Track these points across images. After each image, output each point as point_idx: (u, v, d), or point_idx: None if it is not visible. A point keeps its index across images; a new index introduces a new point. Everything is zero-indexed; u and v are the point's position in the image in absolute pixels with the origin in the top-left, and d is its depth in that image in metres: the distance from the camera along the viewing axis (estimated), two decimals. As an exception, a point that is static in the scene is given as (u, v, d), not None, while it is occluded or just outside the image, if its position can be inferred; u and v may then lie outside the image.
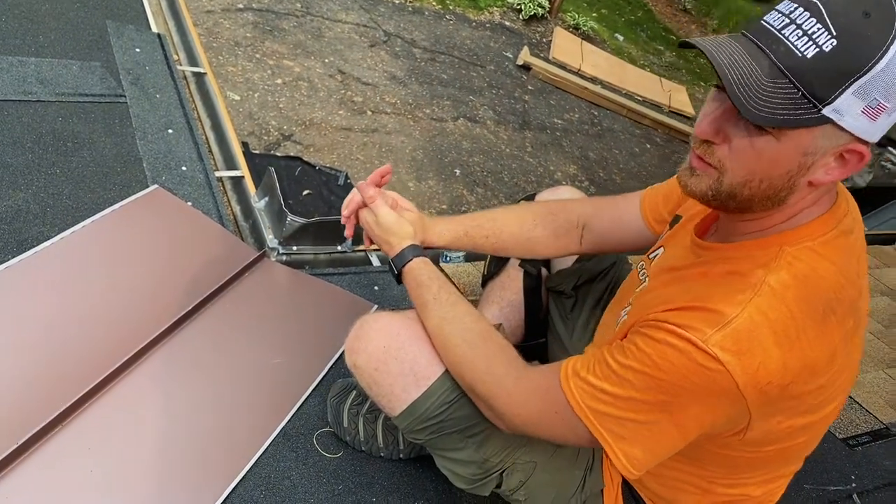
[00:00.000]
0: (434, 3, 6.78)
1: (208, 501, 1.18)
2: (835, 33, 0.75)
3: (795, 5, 0.78)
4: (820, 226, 0.88)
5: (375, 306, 1.66)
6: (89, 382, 1.24)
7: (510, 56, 6.41)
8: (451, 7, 6.83)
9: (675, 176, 0.95)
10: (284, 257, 1.75)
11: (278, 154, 4.23)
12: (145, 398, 1.29)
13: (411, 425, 1.12)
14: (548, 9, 6.77)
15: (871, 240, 4.03)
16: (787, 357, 0.81)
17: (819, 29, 0.76)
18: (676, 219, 1.19)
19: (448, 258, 1.96)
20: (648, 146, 6.13)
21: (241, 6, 5.77)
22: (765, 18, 0.81)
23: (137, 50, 2.11)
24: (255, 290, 1.62)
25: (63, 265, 1.44)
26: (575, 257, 1.47)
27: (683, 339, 0.82)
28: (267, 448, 1.30)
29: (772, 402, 0.85)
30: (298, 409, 1.39)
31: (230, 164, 1.96)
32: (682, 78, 7.68)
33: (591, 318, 1.47)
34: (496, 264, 1.52)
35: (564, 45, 6.51)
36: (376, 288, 1.46)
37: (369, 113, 5.23)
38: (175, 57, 2.24)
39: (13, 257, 1.39)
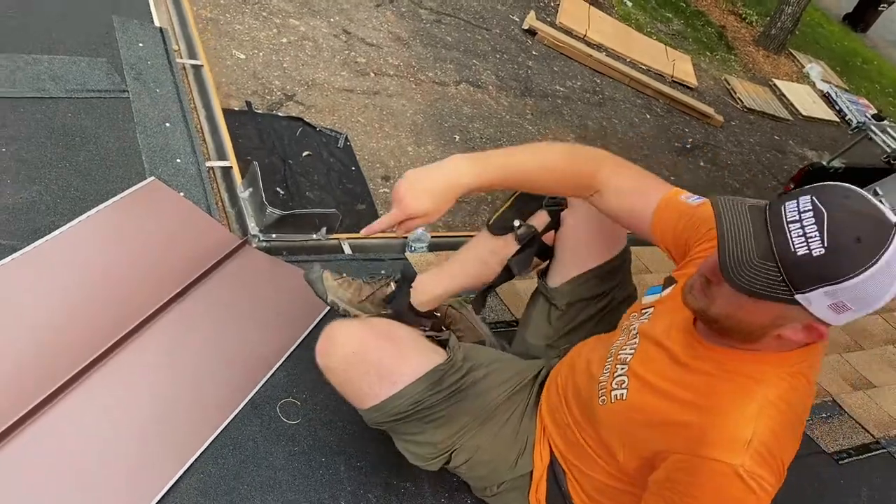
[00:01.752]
0: (439, -35, 6.79)
1: (184, 458, 1.45)
2: (826, 245, 0.89)
3: (809, 207, 0.92)
4: (792, 358, 1.07)
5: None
6: (83, 360, 1.49)
7: (516, 20, 6.46)
8: (457, -32, 6.83)
9: (682, 285, 1.13)
10: (265, 244, 2.00)
11: (280, 114, 4.40)
12: (133, 373, 1.54)
13: (378, 418, 1.34)
14: (558, -29, 6.77)
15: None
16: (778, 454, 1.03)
17: (816, 236, 0.90)
18: (670, 281, 1.30)
19: (413, 248, 2.19)
20: (648, 116, 6.22)
21: (247, -38, 5.83)
22: (786, 204, 0.95)
23: (140, 45, 2.31)
24: (237, 274, 1.87)
25: (67, 254, 1.68)
26: (581, 268, 1.57)
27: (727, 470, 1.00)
28: (236, 415, 1.56)
29: None
30: (267, 381, 1.65)
31: (221, 154, 2.19)
32: (688, 47, 7.68)
33: (574, 333, 1.61)
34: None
35: (571, 10, 6.53)
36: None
37: (372, 75, 5.34)
38: (175, 48, 2.44)
39: (27, 245, 1.64)
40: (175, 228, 1.87)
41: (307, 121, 4.51)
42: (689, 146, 6.07)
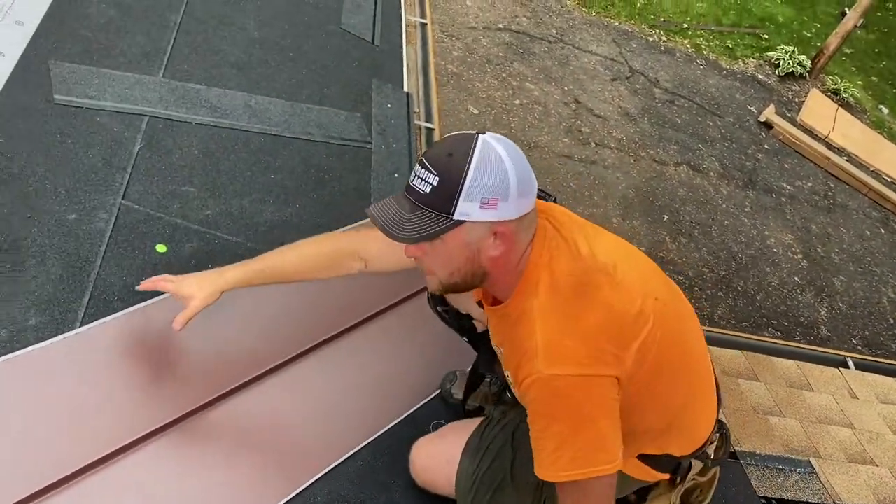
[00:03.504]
0: (688, 46, 6.88)
1: (348, 447, 1.76)
2: (435, 172, 1.15)
3: (418, 165, 1.18)
4: (534, 259, 1.25)
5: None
6: (264, 366, 1.81)
7: (753, 111, 6.36)
8: (704, 52, 6.87)
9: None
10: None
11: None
12: (313, 378, 1.85)
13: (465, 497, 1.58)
14: (809, 68, 6.55)
15: None
16: (574, 336, 1.19)
17: (428, 174, 1.16)
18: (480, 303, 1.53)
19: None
20: (882, 231, 5.79)
21: (500, 26, 6.37)
22: (409, 178, 1.20)
23: (389, 105, 2.78)
24: (416, 311, 2.20)
25: None
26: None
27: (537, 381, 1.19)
28: (395, 424, 1.85)
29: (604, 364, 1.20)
30: (423, 405, 1.94)
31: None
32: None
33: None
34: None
35: (816, 109, 6.29)
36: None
37: (593, 144, 5.56)
38: (416, 110, 2.90)
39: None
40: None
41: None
42: (924, 272, 5.55)
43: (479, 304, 1.56)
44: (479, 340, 1.76)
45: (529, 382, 1.20)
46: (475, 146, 1.17)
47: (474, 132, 1.20)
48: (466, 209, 1.16)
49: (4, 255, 1.71)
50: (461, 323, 1.74)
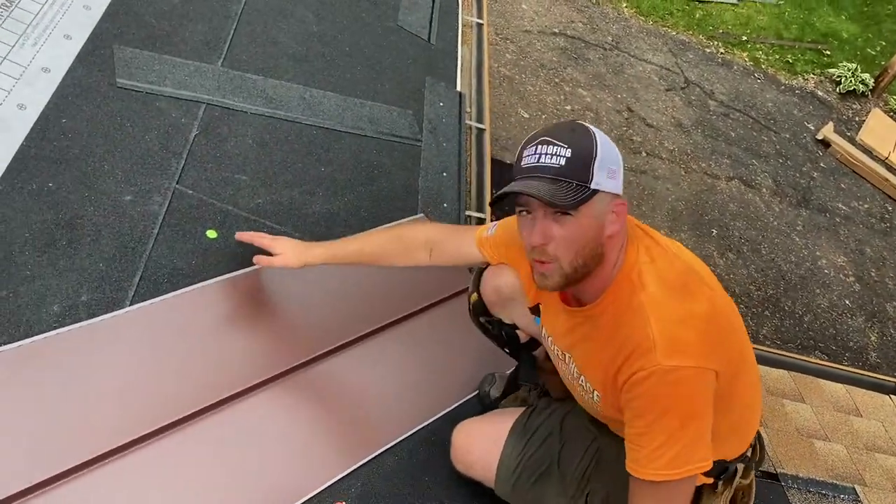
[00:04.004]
0: (746, 59, 6.74)
1: (385, 440, 1.77)
2: (566, 146, 1.19)
3: (536, 146, 1.22)
4: (632, 258, 1.28)
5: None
6: (321, 349, 1.84)
7: (811, 128, 6.20)
8: (763, 66, 6.73)
9: (536, 282, 1.32)
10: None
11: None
12: (354, 369, 1.86)
13: (502, 487, 1.57)
14: (871, 87, 6.37)
15: None
16: (689, 329, 1.20)
17: (558, 149, 1.19)
18: (535, 310, 1.55)
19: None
20: (940, 258, 5.59)
21: (556, 31, 6.33)
22: (524, 163, 1.23)
23: (441, 104, 2.78)
24: (461, 309, 2.20)
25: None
26: None
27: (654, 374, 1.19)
28: (432, 422, 1.85)
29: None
30: (462, 403, 1.94)
31: (480, 207, 2.56)
32: None
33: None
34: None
35: (877, 129, 6.12)
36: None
37: (644, 154, 5.49)
38: (468, 110, 2.90)
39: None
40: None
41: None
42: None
43: (533, 310, 1.56)
44: (521, 350, 1.79)
45: (644, 375, 1.20)
46: (587, 124, 1.25)
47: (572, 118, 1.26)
48: (599, 178, 1.20)
49: (62, 231, 1.75)
50: (505, 332, 1.76)
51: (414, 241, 1.74)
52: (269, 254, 1.75)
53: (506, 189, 1.25)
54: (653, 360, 1.19)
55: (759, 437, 1.53)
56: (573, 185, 1.19)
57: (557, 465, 1.54)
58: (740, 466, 1.45)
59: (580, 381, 1.42)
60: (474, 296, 1.74)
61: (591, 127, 1.24)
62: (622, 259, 1.29)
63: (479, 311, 1.74)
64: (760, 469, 1.73)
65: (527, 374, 1.84)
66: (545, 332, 1.53)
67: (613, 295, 1.29)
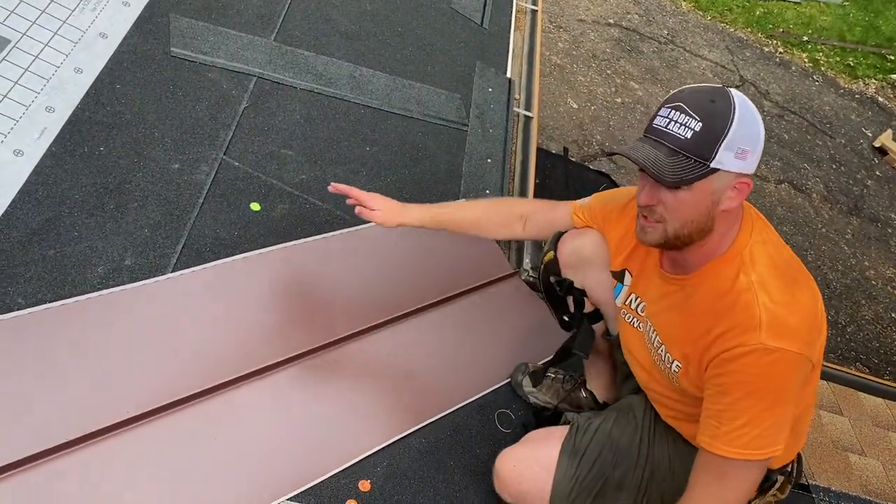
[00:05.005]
0: (805, 60, 6.55)
1: (410, 424, 1.79)
2: (698, 118, 1.15)
3: (670, 110, 1.18)
4: (744, 236, 1.25)
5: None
6: (357, 327, 1.87)
7: (868, 134, 6.01)
8: (822, 68, 6.53)
9: (636, 233, 1.33)
10: (532, 279, 2.30)
11: (591, 167, 4.69)
12: (387, 349, 1.88)
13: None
14: (935, 95, 6.15)
15: None
16: (796, 315, 1.20)
17: (689, 119, 1.15)
18: (618, 275, 1.54)
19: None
20: None
21: (611, 21, 6.22)
22: (654, 123, 1.19)
23: (490, 90, 2.76)
24: (501, 296, 2.19)
25: (376, 242, 2.10)
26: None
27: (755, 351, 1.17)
28: (460, 408, 1.86)
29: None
30: (494, 390, 1.92)
31: (522, 195, 2.54)
32: None
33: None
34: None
35: (939, 142, 5.90)
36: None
37: (693, 152, 5.41)
38: (516, 97, 2.87)
39: (361, 225, 2.13)
40: (465, 244, 2.26)
41: (613, 179, 4.74)
42: None
43: (616, 275, 1.55)
44: (582, 319, 1.74)
45: (742, 352, 1.19)
46: (733, 96, 1.18)
47: (720, 84, 1.21)
48: (723, 158, 1.16)
49: (110, 195, 1.79)
50: (573, 295, 1.71)
51: (511, 213, 1.73)
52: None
53: (623, 149, 1.23)
54: (756, 338, 1.18)
55: (798, 456, 1.50)
56: (691, 161, 1.16)
57: (613, 483, 1.52)
58: (780, 478, 1.43)
59: (660, 351, 1.40)
60: (550, 254, 1.69)
61: (737, 99, 1.17)
62: (734, 235, 1.27)
63: (551, 271, 1.69)
64: (792, 479, 1.69)
65: (582, 346, 1.80)
66: (631, 297, 1.51)
67: (717, 268, 1.27)
